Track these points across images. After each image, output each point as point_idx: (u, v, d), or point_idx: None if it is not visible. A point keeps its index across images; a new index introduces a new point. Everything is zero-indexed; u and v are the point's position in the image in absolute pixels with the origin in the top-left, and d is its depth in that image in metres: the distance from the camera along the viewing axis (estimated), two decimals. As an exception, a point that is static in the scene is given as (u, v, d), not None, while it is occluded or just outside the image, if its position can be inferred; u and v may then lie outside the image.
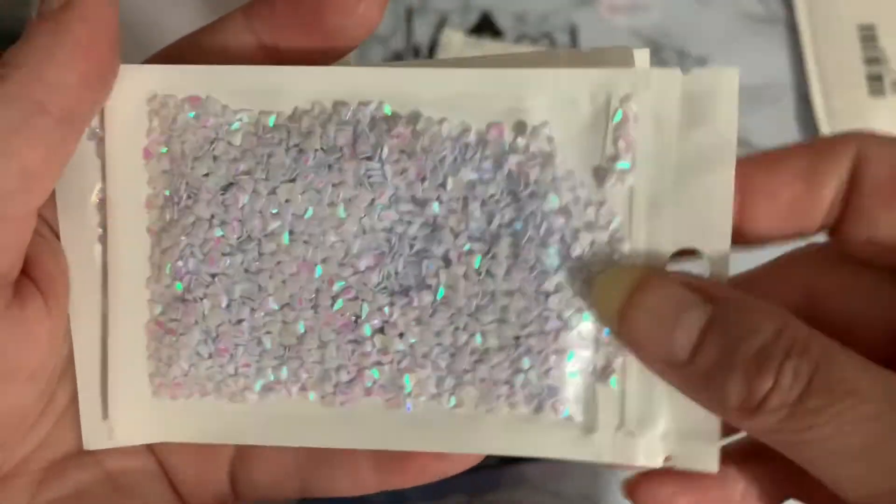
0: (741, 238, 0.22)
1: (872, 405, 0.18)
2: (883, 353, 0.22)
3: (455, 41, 0.48)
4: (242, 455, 0.24)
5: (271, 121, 0.22)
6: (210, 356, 0.22)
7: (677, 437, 0.22)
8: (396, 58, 0.48)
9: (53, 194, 0.22)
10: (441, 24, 0.49)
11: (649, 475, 0.23)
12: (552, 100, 0.21)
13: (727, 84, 0.21)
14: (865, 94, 0.46)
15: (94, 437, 0.23)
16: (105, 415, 0.23)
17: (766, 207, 0.21)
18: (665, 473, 0.22)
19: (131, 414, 0.23)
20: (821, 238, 0.23)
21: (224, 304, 0.22)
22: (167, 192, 0.22)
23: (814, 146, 0.22)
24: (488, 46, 0.48)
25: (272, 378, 0.22)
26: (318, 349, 0.22)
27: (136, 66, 0.22)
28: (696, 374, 0.20)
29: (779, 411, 0.19)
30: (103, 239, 0.22)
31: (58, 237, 0.23)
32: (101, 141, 0.22)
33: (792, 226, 0.22)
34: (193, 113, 0.22)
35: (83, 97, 0.20)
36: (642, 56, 0.22)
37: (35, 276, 0.21)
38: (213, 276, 0.22)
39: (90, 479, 0.23)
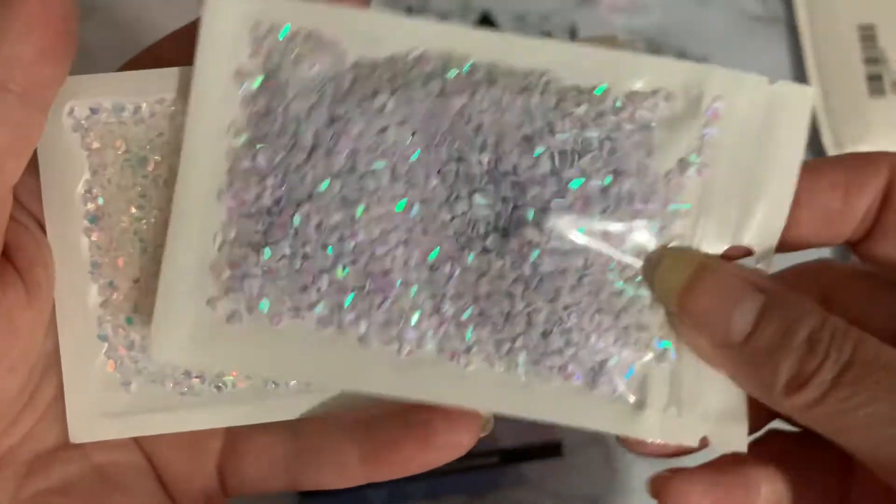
0: (782, 245, 0.23)
1: None
2: None
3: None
4: (231, 448, 0.24)
5: (376, 62, 0.22)
6: (287, 274, 0.22)
7: (712, 418, 0.22)
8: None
9: (39, 188, 0.22)
10: (441, 24, 0.49)
11: (679, 474, 0.23)
12: (650, 84, 0.22)
13: (804, 100, 0.22)
14: (865, 94, 0.46)
15: (81, 430, 0.23)
16: (161, 326, 0.22)
17: (805, 213, 0.23)
18: (694, 472, 0.23)
19: (179, 335, 0.22)
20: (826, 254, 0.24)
21: (315, 225, 0.22)
22: (264, 125, 0.22)
23: (851, 159, 0.23)
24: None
25: (343, 306, 0.22)
26: (399, 287, 0.22)
27: None
28: (749, 355, 0.21)
29: (823, 384, 0.20)
30: (98, 223, 0.22)
31: (43, 230, 0.22)
32: (87, 132, 0.22)
33: (826, 233, 0.23)
34: (300, 45, 0.22)
35: (43, 72, 0.20)
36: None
37: (17, 265, 0.21)
38: (309, 196, 0.22)
39: (77, 471, 0.23)
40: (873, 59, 0.47)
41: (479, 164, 0.22)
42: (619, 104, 0.22)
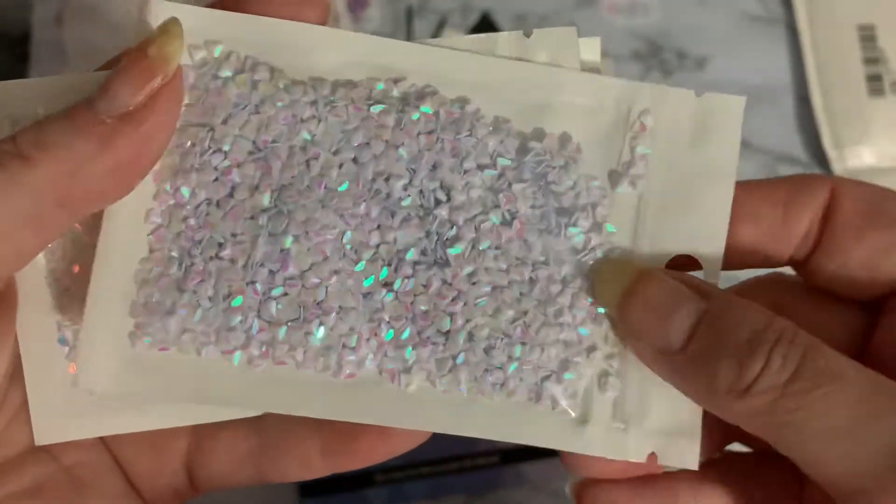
0: (725, 259, 0.23)
1: (858, 388, 0.19)
2: None
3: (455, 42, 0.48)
4: (198, 445, 0.24)
5: (304, 83, 0.22)
6: (214, 309, 0.22)
7: (662, 433, 0.22)
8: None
9: None
10: (441, 25, 0.49)
11: (601, 482, 0.23)
12: (580, 101, 0.22)
13: (734, 108, 0.23)
14: (865, 94, 0.46)
15: (45, 431, 0.23)
16: (75, 362, 0.22)
17: (747, 230, 0.23)
18: (618, 482, 0.23)
19: (106, 365, 0.22)
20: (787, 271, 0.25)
21: (241, 265, 0.21)
22: (189, 142, 0.21)
23: (793, 179, 0.23)
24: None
25: (277, 340, 0.22)
26: (335, 315, 0.22)
27: (169, 3, 0.21)
28: (688, 362, 0.21)
29: (768, 393, 0.19)
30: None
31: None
32: None
33: (769, 251, 0.23)
34: (230, 71, 0.22)
35: (100, 204, 0.20)
36: (592, 44, 0.23)
37: None
38: (234, 235, 0.21)
39: (46, 473, 0.23)
40: (873, 59, 0.47)
41: (410, 186, 0.22)
42: (549, 130, 0.22)
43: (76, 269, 0.23)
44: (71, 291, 0.23)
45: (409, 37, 0.49)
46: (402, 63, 0.22)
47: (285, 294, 0.22)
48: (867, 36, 0.47)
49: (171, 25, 0.20)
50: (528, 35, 0.23)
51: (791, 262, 0.24)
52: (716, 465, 0.24)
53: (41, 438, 0.23)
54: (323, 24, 0.22)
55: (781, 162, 0.47)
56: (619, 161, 0.23)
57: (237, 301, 0.21)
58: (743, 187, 0.23)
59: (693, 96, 0.23)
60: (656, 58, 0.48)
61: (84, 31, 0.46)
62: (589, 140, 0.23)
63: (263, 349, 0.22)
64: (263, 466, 0.24)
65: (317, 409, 0.22)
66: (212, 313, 0.22)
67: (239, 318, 0.21)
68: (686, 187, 0.23)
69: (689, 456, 0.22)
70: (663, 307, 0.21)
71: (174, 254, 0.21)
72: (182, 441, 0.24)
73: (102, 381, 0.22)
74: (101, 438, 0.24)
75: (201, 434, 0.24)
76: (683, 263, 0.23)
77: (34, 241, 0.20)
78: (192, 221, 0.21)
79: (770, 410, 0.20)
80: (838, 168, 0.45)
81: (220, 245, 0.21)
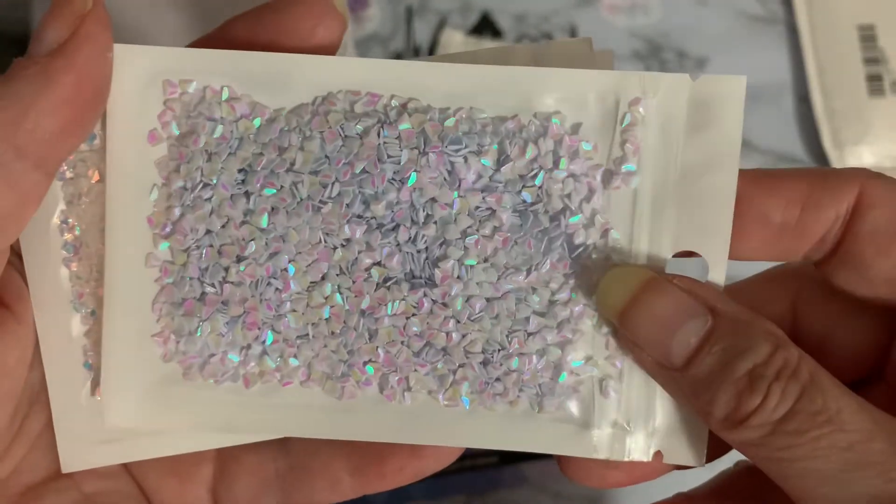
0: (732, 251, 0.22)
1: (848, 435, 0.19)
2: (852, 373, 0.22)
3: (455, 41, 0.48)
4: (222, 470, 0.24)
5: (283, 111, 0.22)
6: (230, 336, 0.22)
7: (666, 432, 0.22)
8: (397, 58, 0.48)
9: None
10: (441, 25, 0.49)
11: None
12: (561, 99, 0.21)
13: (734, 90, 0.21)
14: (865, 94, 0.46)
15: (72, 459, 0.23)
16: (94, 392, 0.22)
17: (756, 229, 0.22)
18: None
19: (127, 398, 0.22)
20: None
21: (249, 284, 0.22)
22: (178, 180, 0.22)
23: (818, 175, 0.22)
24: (488, 46, 0.48)
25: (288, 363, 0.22)
26: (335, 336, 0.22)
27: (140, 47, 0.21)
28: (688, 382, 0.20)
29: (762, 428, 0.19)
30: (77, 250, 0.22)
31: (20, 260, 0.22)
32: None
33: (777, 250, 0.22)
34: (210, 102, 0.22)
35: (62, 144, 0.20)
36: (605, 57, 0.22)
37: (8, 304, 0.21)
38: (239, 259, 0.22)
39: (68, 501, 0.23)
40: (873, 59, 0.47)
41: (396, 204, 0.21)
42: (531, 133, 0.21)
43: (100, 291, 0.22)
44: (97, 315, 0.23)
45: (409, 37, 0.49)
46: (381, 81, 0.22)
47: (294, 310, 0.22)
48: (867, 36, 0.47)
49: None
50: (500, 34, 0.22)
51: (806, 260, 0.23)
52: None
53: (68, 466, 0.23)
54: (341, 35, 0.22)
55: (781, 162, 0.47)
56: (610, 157, 0.22)
57: (252, 316, 0.22)
58: (756, 179, 0.22)
59: (688, 80, 0.21)
60: (656, 58, 0.48)
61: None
62: (578, 137, 0.22)
63: (278, 363, 0.22)
64: (290, 489, 0.24)
65: (323, 430, 0.22)
66: (231, 329, 0.22)
67: (255, 332, 0.22)
68: (686, 179, 0.21)
69: (695, 454, 0.22)
70: (668, 321, 0.20)
71: (187, 284, 0.22)
72: (207, 467, 0.24)
73: (127, 417, 0.22)
74: (125, 466, 0.24)
75: (226, 459, 0.24)
76: (683, 261, 0.22)
77: (10, 197, 0.19)
78: (195, 254, 0.22)
79: (762, 444, 0.19)
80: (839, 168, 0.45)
81: (227, 269, 0.22)
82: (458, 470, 0.42)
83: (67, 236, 0.22)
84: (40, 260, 0.22)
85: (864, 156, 0.45)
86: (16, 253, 0.22)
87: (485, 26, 0.49)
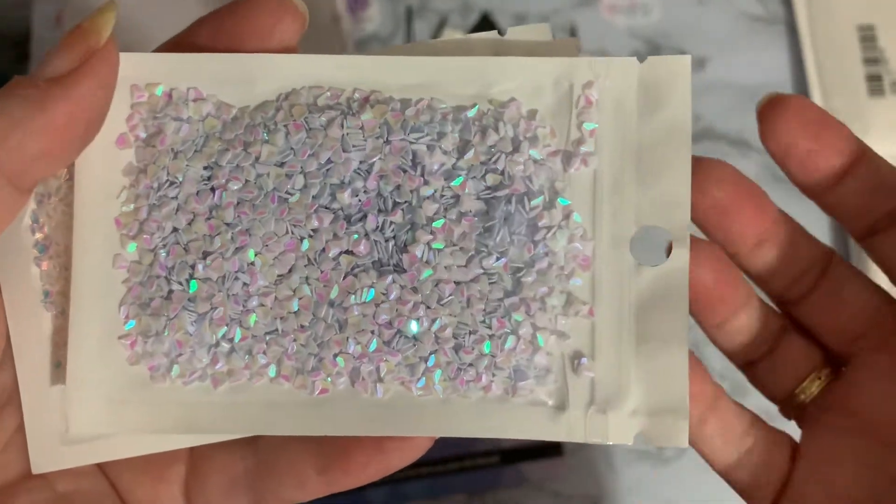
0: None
1: None
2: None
3: (455, 41, 0.48)
4: (194, 469, 0.24)
5: (248, 109, 0.22)
6: (198, 334, 0.22)
7: (648, 413, 0.22)
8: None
9: None
10: (441, 24, 0.49)
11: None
12: (518, 87, 0.22)
13: (681, 70, 0.22)
14: (865, 94, 0.46)
15: (42, 459, 0.22)
16: (62, 407, 0.22)
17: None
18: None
19: (92, 403, 0.22)
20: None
21: (215, 279, 0.22)
22: (145, 181, 0.22)
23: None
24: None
25: (257, 359, 0.22)
26: (305, 328, 0.22)
27: None
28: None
29: None
30: (47, 246, 0.22)
31: None
32: None
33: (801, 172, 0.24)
34: (176, 104, 0.22)
35: (41, 166, 0.20)
36: (568, 44, 0.23)
37: None
38: (205, 255, 0.22)
39: (42, 501, 0.23)
40: (873, 59, 0.47)
41: (362, 192, 0.22)
42: (490, 119, 0.22)
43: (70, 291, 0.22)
44: (67, 314, 0.22)
45: (409, 37, 0.49)
46: (341, 76, 0.22)
47: (261, 305, 0.22)
48: (867, 36, 0.47)
49: (105, 4, 0.21)
50: (502, 34, 0.23)
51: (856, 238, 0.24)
52: None
53: (38, 467, 0.22)
54: (300, 33, 0.22)
55: (781, 162, 0.47)
56: (569, 140, 0.22)
57: (219, 312, 0.22)
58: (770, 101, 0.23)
59: (636, 63, 0.22)
60: (656, 58, 0.48)
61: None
62: (535, 122, 0.22)
63: (246, 360, 0.22)
64: (260, 488, 0.24)
65: (293, 427, 0.22)
66: (199, 327, 0.22)
67: (224, 329, 0.22)
68: (641, 158, 0.22)
69: (678, 434, 0.22)
70: None
71: (154, 284, 0.22)
72: (179, 466, 0.24)
73: (91, 423, 0.22)
74: (99, 465, 0.24)
75: (197, 458, 0.24)
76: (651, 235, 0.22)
77: None
78: (161, 252, 0.22)
79: None
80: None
81: (193, 266, 0.22)
82: (458, 470, 0.42)
83: (38, 235, 0.22)
84: (11, 259, 0.22)
85: (863, 156, 0.45)
86: None
87: (485, 26, 0.49)
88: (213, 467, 0.24)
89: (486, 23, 0.49)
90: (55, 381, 0.23)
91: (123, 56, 0.21)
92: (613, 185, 0.22)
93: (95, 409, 0.22)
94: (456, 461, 0.42)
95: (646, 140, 0.22)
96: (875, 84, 0.46)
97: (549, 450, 0.43)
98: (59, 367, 0.23)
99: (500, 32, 0.23)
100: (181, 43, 0.22)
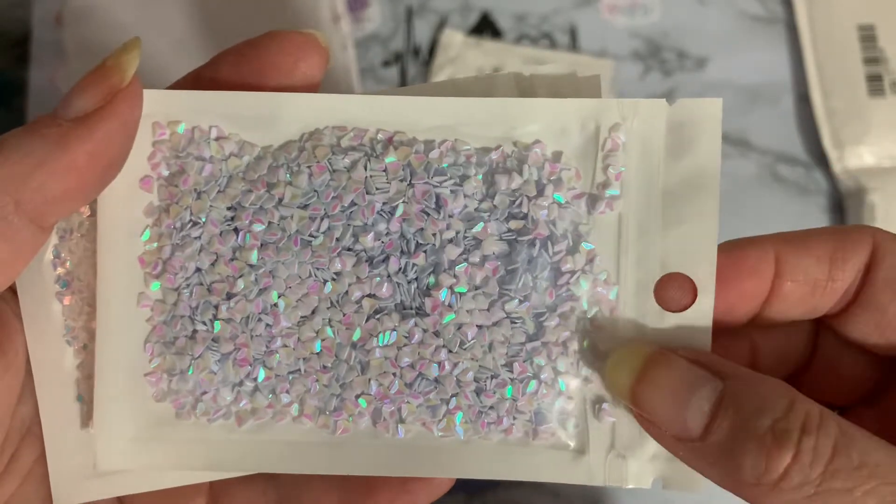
0: (769, 313, 0.23)
1: (894, 487, 0.19)
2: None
3: (455, 41, 0.48)
4: (215, 502, 0.24)
5: (271, 149, 0.22)
6: (222, 374, 0.22)
7: (666, 458, 0.22)
8: (397, 58, 0.48)
9: None
10: (441, 24, 0.49)
11: None
12: (544, 128, 0.22)
13: (711, 113, 0.22)
14: (865, 95, 0.46)
15: (64, 493, 0.23)
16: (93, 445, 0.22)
17: (791, 286, 0.22)
18: None
19: (119, 440, 0.22)
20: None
21: (239, 320, 0.22)
22: (168, 220, 0.22)
23: (837, 233, 0.23)
24: (488, 46, 0.48)
25: (280, 398, 0.22)
26: (327, 370, 0.22)
27: None
28: (709, 450, 0.20)
29: (802, 489, 0.19)
30: (69, 283, 0.22)
31: (15, 297, 0.22)
32: None
33: (808, 307, 0.23)
34: (198, 142, 0.22)
35: (63, 205, 0.20)
36: (591, 82, 0.22)
37: None
38: (229, 296, 0.22)
39: None
40: (873, 59, 0.47)
41: (385, 235, 0.22)
42: (514, 162, 0.22)
43: (93, 324, 0.23)
44: (89, 348, 0.23)
45: (409, 37, 0.49)
46: (366, 116, 0.22)
47: (284, 346, 0.22)
48: (867, 36, 0.47)
49: (130, 41, 0.21)
50: (501, 34, 0.23)
51: (823, 317, 0.23)
52: None
53: (60, 501, 0.23)
54: (323, 69, 0.22)
55: (781, 162, 0.47)
56: (594, 183, 0.22)
57: (243, 352, 0.22)
58: (786, 241, 0.22)
59: (665, 105, 0.22)
60: (656, 58, 0.48)
61: (84, 31, 0.46)
62: (560, 165, 0.22)
63: (270, 399, 0.22)
64: None
65: (316, 466, 0.22)
66: (222, 366, 0.22)
67: (247, 368, 0.22)
68: (668, 202, 0.22)
69: (694, 479, 0.22)
70: (678, 393, 0.20)
71: (178, 323, 0.22)
72: (200, 500, 0.24)
73: (118, 460, 0.22)
74: (119, 499, 0.24)
75: (218, 492, 0.24)
76: (674, 281, 0.22)
77: (4, 249, 0.20)
78: (185, 292, 0.22)
79: None
80: (838, 168, 0.45)
81: (216, 307, 0.22)
82: (458, 470, 0.42)
83: (60, 270, 0.23)
84: (34, 294, 0.22)
85: (863, 156, 0.45)
86: (11, 289, 0.22)
87: (485, 26, 0.49)
88: (233, 502, 0.24)
89: (486, 23, 0.49)
90: (77, 415, 0.23)
91: (146, 93, 0.21)
92: (639, 230, 0.22)
93: (122, 446, 0.22)
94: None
95: (672, 184, 0.22)
96: (875, 84, 0.46)
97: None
98: (80, 401, 0.23)
99: (498, 32, 0.22)
100: (201, 77, 0.22)
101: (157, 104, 0.22)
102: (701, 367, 0.20)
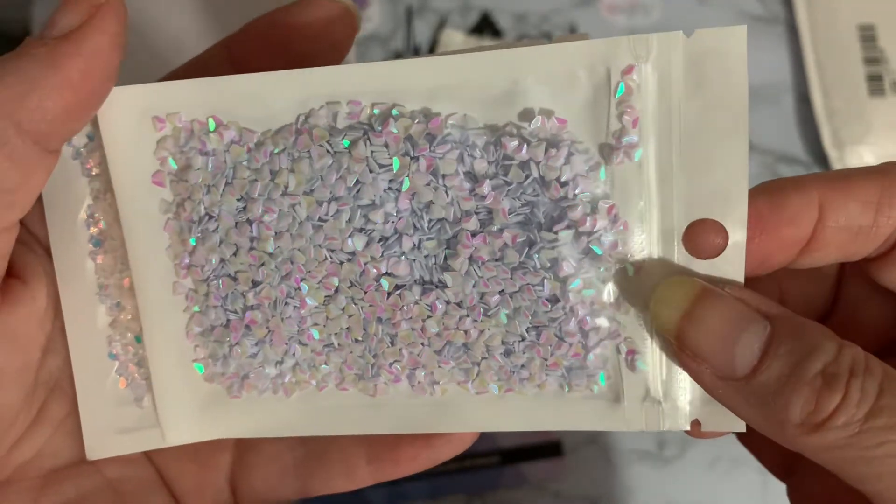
0: (805, 259, 0.22)
1: None
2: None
3: (455, 41, 0.48)
4: (241, 459, 0.24)
5: (270, 133, 0.22)
6: (262, 355, 0.23)
7: (703, 402, 0.22)
8: (397, 58, 0.48)
9: (44, 214, 0.23)
10: (441, 24, 0.49)
11: None
12: (549, 78, 0.20)
13: (734, 43, 0.20)
14: (865, 94, 0.46)
15: (96, 446, 0.23)
16: (157, 422, 0.23)
17: (832, 231, 0.21)
18: None
19: (181, 417, 0.23)
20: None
21: (268, 305, 0.22)
22: (185, 213, 0.22)
23: (881, 173, 0.22)
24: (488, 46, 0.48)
25: (321, 370, 0.23)
26: (359, 342, 0.22)
27: (124, 87, 0.22)
28: (755, 391, 0.20)
29: (847, 428, 0.19)
30: (94, 256, 0.23)
31: (49, 254, 0.23)
32: (86, 159, 0.22)
33: (849, 250, 0.22)
34: (199, 136, 0.22)
35: (63, 124, 0.20)
36: (581, 39, 0.21)
37: (24, 282, 0.22)
38: (254, 283, 0.22)
39: (91, 486, 0.23)
40: (873, 59, 0.47)
41: (393, 214, 0.21)
42: (523, 127, 0.21)
43: (126, 282, 0.23)
44: (121, 305, 0.23)
45: (409, 37, 0.49)
46: (359, 86, 0.21)
47: (315, 324, 0.22)
48: (867, 36, 0.47)
49: None
50: (501, 34, 0.22)
51: (862, 260, 0.23)
52: None
53: (93, 453, 0.23)
54: (353, 36, 0.22)
55: (781, 162, 0.47)
56: (609, 132, 0.20)
57: (277, 335, 0.23)
58: (829, 184, 0.21)
59: (682, 38, 0.19)
60: (656, 58, 0.48)
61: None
62: (570, 116, 0.20)
63: (311, 371, 0.23)
64: (307, 478, 0.24)
65: (359, 427, 0.23)
66: (261, 349, 0.23)
67: (284, 348, 0.23)
68: (693, 145, 0.20)
69: (731, 421, 0.21)
70: (727, 332, 0.20)
71: (212, 313, 0.23)
72: (226, 455, 0.25)
73: (185, 435, 0.23)
74: (147, 453, 0.24)
75: (244, 448, 0.25)
76: (704, 227, 0.21)
77: (12, 171, 0.20)
78: (214, 283, 0.22)
79: (847, 445, 0.19)
80: (838, 168, 0.45)
81: (244, 295, 0.22)
82: (458, 470, 0.42)
83: (93, 230, 0.23)
84: (68, 253, 0.23)
85: (864, 156, 0.45)
86: (43, 247, 0.23)
87: (485, 26, 0.49)
88: (260, 458, 0.24)
89: (486, 22, 0.49)
90: (108, 371, 0.23)
91: (140, 88, 0.21)
92: (661, 177, 0.20)
93: (185, 422, 0.23)
94: (456, 461, 0.42)
95: (694, 124, 0.20)
96: (875, 84, 0.46)
97: (549, 450, 0.43)
98: (112, 358, 0.23)
99: (498, 32, 0.22)
100: (230, 44, 0.22)
101: (154, 97, 0.22)
102: (747, 306, 0.20)
